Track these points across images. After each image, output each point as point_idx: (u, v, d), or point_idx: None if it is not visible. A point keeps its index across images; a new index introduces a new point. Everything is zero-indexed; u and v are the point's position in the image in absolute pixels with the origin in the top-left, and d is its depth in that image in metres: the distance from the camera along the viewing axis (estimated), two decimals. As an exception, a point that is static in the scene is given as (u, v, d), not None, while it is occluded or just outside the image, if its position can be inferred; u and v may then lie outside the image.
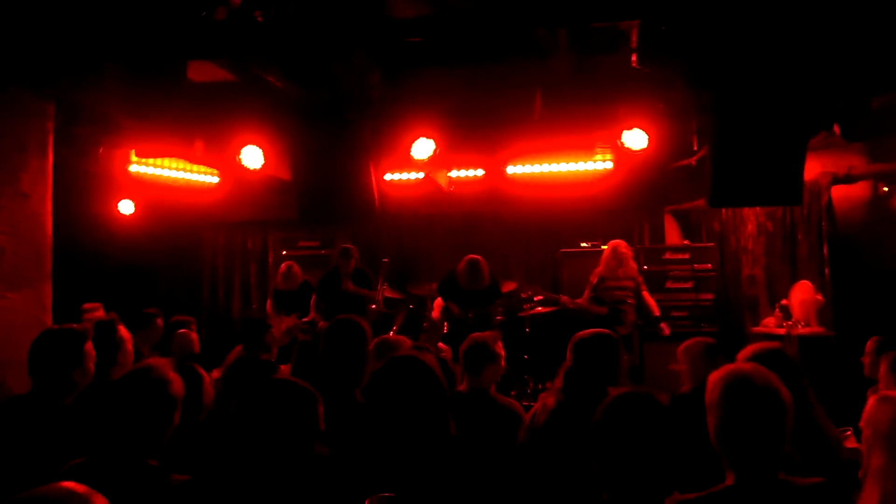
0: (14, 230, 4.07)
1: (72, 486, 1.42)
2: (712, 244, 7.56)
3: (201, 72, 5.28)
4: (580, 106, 5.51)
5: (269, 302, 7.30)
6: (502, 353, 3.66)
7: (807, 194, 6.69)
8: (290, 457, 1.89)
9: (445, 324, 6.62)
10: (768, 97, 4.16)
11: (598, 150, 6.84)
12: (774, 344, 2.92)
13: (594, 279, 6.62)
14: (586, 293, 6.62)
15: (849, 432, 3.24)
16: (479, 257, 6.32)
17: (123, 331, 3.38)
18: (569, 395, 2.99)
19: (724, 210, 7.57)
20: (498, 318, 6.73)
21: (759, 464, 1.87)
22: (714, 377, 1.99)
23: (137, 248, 7.92)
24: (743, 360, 2.76)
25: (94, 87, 4.99)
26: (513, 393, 6.40)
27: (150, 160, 7.00)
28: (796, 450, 2.26)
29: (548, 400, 3.08)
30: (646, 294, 6.62)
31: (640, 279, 6.65)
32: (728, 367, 2.04)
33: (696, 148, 5.93)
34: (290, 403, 1.94)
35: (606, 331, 3.17)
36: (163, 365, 2.30)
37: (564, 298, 6.72)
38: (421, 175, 7.19)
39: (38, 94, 4.41)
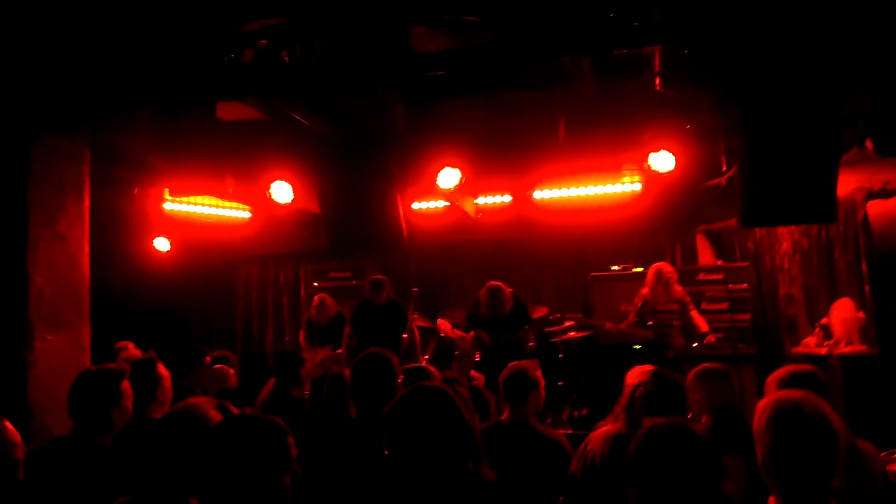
0: (52, 272, 4.18)
1: None
2: (747, 263, 7.43)
3: (231, 111, 5.42)
4: (605, 129, 5.50)
5: (301, 334, 7.34)
6: (542, 380, 3.62)
7: (842, 211, 6.55)
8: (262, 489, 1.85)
9: (477, 352, 6.58)
10: (797, 114, 4.10)
11: (626, 172, 6.80)
12: (807, 366, 2.84)
13: (639, 302, 6.55)
14: (631, 317, 6.55)
15: (895, 454, 3.13)
16: (499, 284, 6.31)
17: (162, 369, 3.42)
18: (631, 421, 2.90)
19: (757, 229, 7.45)
20: (530, 344, 6.68)
21: (808, 494, 1.83)
22: (762, 404, 1.96)
23: (172, 285, 8.06)
24: (775, 381, 2.70)
25: (127, 130, 5.15)
26: (548, 420, 6.31)
27: (184, 198, 7.16)
28: (844, 477, 2.19)
29: (607, 427, 3.00)
30: (694, 314, 6.51)
31: (688, 300, 6.54)
32: (777, 394, 2.00)
33: (724, 168, 5.87)
34: (257, 438, 1.92)
35: (668, 371, 3.08)
36: (204, 403, 2.32)
37: (609, 325, 6.66)
38: (448, 204, 7.22)
39: (73, 139, 4.55)
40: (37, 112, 4.23)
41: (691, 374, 3.71)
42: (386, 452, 2.16)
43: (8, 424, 2.59)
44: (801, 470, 1.83)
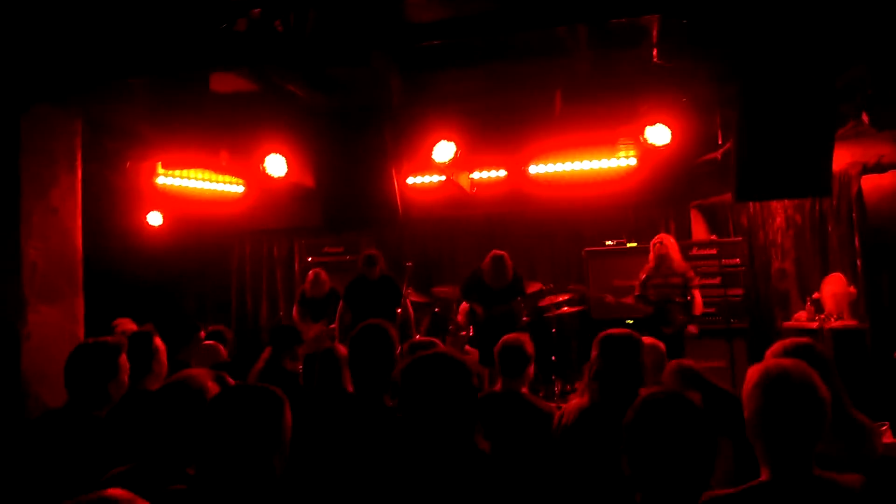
0: (45, 245, 4.15)
1: (117, 493, 1.44)
2: (740, 238, 7.45)
3: (224, 83, 5.34)
4: (602, 102, 5.46)
5: (295, 308, 7.35)
6: (532, 354, 3.65)
7: (836, 185, 6.56)
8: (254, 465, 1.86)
9: (471, 327, 6.61)
10: (794, 87, 4.09)
11: (622, 146, 6.77)
12: (804, 339, 2.87)
13: (643, 276, 6.47)
14: (636, 290, 6.51)
15: (885, 427, 3.17)
16: (503, 253, 6.32)
17: (159, 341, 3.42)
18: (593, 395, 2.98)
19: (751, 204, 7.46)
20: (524, 318, 6.71)
21: (794, 458, 1.87)
22: (752, 371, 1.99)
23: (166, 259, 8.04)
24: (772, 356, 2.73)
25: (119, 102, 5.09)
26: (541, 394, 6.37)
27: (177, 172, 7.10)
28: (831, 445, 2.23)
29: (575, 400, 3.07)
30: (696, 292, 6.35)
31: (692, 275, 6.38)
32: (767, 362, 2.03)
33: (720, 142, 5.86)
34: (256, 407, 1.92)
35: (626, 330, 3.14)
36: (201, 375, 2.32)
37: (609, 298, 6.64)
38: (443, 178, 7.19)
39: (65, 110, 4.49)
40: (28, 83, 4.17)
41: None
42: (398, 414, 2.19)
43: None
44: (789, 434, 1.86)
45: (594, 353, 3.07)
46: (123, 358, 2.85)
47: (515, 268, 6.46)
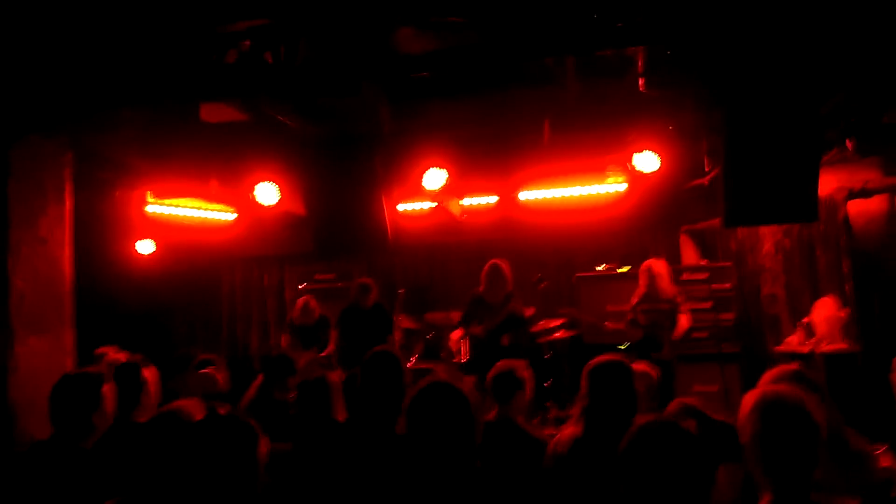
0: (33, 276, 4.13)
1: None
2: (730, 263, 7.48)
3: (214, 113, 5.38)
4: (590, 130, 5.53)
5: (283, 337, 7.29)
6: (529, 380, 3.63)
7: (823, 210, 6.60)
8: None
9: (464, 351, 6.58)
10: (778, 115, 4.15)
11: (611, 173, 6.83)
12: (793, 365, 2.88)
13: (634, 300, 6.47)
14: (628, 316, 6.50)
15: (881, 450, 3.16)
16: (500, 261, 6.29)
17: (147, 372, 3.39)
18: (587, 424, 2.96)
19: (740, 229, 7.51)
20: (519, 342, 6.66)
21: (792, 484, 1.87)
22: (748, 397, 2.00)
23: (157, 287, 7.99)
24: (765, 383, 2.74)
25: (110, 132, 5.11)
26: (535, 420, 6.33)
27: (167, 200, 7.10)
28: (829, 471, 2.23)
29: (569, 429, 3.05)
30: (681, 316, 6.31)
31: (680, 299, 6.37)
32: (762, 388, 2.04)
33: (707, 168, 5.92)
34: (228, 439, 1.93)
35: (616, 356, 3.13)
36: (191, 406, 2.30)
37: (608, 323, 6.62)
38: (434, 205, 7.22)
39: (55, 141, 4.50)
40: (17, 115, 4.18)
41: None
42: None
43: None
44: (784, 458, 1.87)
45: (584, 384, 3.05)
46: (106, 388, 2.83)
47: (513, 286, 6.42)
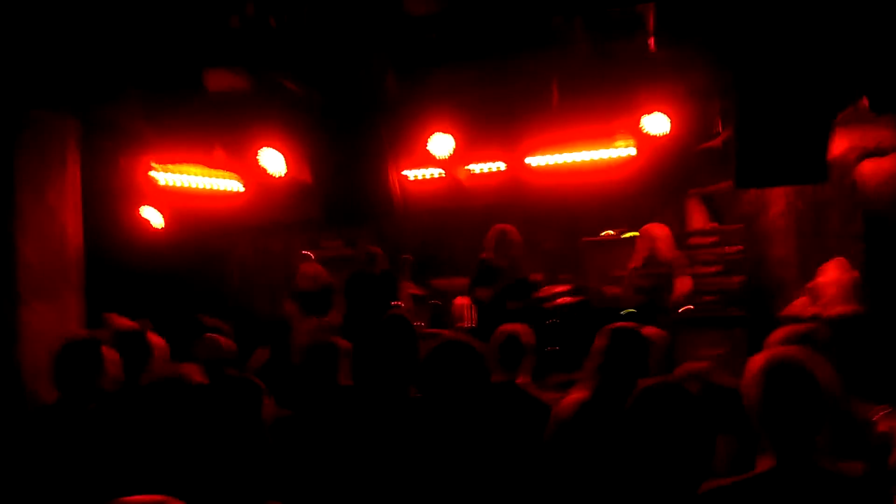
0: (41, 243, 4.15)
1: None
2: (741, 226, 7.42)
3: (218, 80, 5.33)
4: (599, 93, 5.44)
5: (286, 303, 7.34)
6: (532, 344, 3.63)
7: (835, 171, 6.52)
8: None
9: (473, 317, 6.59)
10: (791, 73, 4.06)
11: (620, 136, 6.74)
12: (801, 326, 2.86)
13: (631, 265, 6.45)
14: (625, 281, 6.49)
15: (882, 413, 3.15)
16: (508, 226, 6.24)
17: (154, 338, 3.42)
18: (597, 388, 2.95)
19: (751, 191, 7.43)
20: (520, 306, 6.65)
21: (796, 447, 1.86)
22: (753, 360, 1.98)
23: (164, 255, 8.01)
24: (772, 344, 2.72)
25: (114, 101, 5.08)
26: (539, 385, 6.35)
27: (174, 168, 7.08)
28: (831, 434, 2.22)
29: (575, 393, 3.04)
30: (677, 280, 6.34)
31: (679, 263, 6.36)
32: (768, 350, 2.03)
33: (720, 129, 5.83)
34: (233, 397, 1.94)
35: (631, 324, 3.12)
36: (191, 370, 2.32)
37: (607, 289, 6.61)
38: (441, 171, 7.17)
39: (61, 111, 4.48)
40: (25, 88, 4.16)
41: None
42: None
43: None
44: (788, 420, 1.86)
45: (599, 345, 3.03)
46: (108, 351, 2.85)
47: (521, 250, 6.37)
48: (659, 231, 6.43)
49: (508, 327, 3.62)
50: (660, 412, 1.88)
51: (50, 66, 4.17)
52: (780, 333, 2.72)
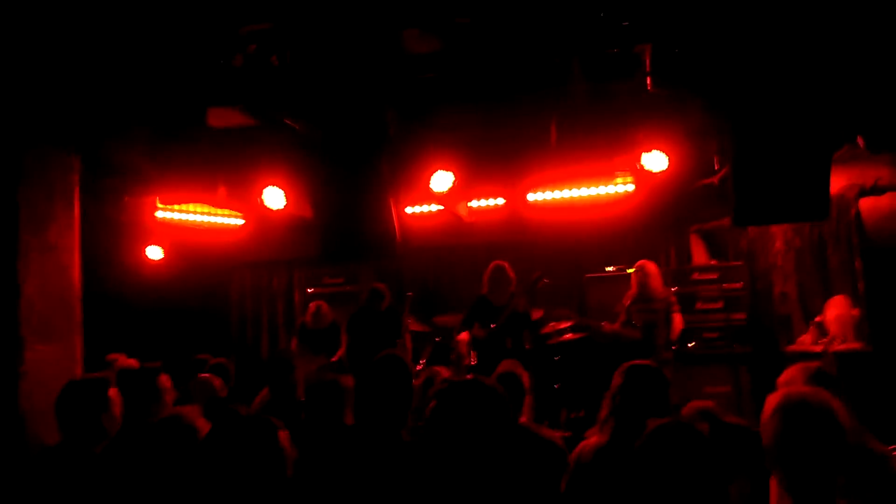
0: (43, 282, 4.14)
1: None
2: (741, 263, 7.44)
3: (221, 118, 5.38)
4: (597, 131, 5.48)
5: (294, 341, 7.30)
6: (528, 383, 3.60)
7: (834, 208, 6.57)
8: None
9: (473, 354, 6.56)
10: (788, 113, 4.10)
11: (619, 173, 6.80)
12: (813, 364, 2.84)
13: (626, 302, 6.52)
14: (620, 317, 6.52)
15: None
16: (503, 262, 6.27)
17: (164, 380, 3.39)
18: (616, 430, 2.88)
19: (750, 228, 7.46)
20: (526, 346, 6.65)
21: (815, 487, 1.82)
22: (771, 398, 1.96)
23: (167, 292, 8.01)
24: (785, 382, 2.70)
25: (118, 139, 5.12)
26: (545, 423, 6.30)
27: (175, 206, 7.12)
28: (851, 475, 2.19)
29: (594, 437, 2.97)
30: (674, 316, 6.44)
31: (673, 300, 6.48)
32: (786, 389, 2.00)
33: (717, 167, 5.88)
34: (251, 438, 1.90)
35: (648, 361, 3.08)
36: (191, 411, 2.31)
37: (606, 325, 6.62)
38: (441, 207, 7.20)
39: (64, 149, 4.52)
40: (29, 126, 4.20)
41: None
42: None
43: None
44: (807, 460, 1.81)
45: (615, 384, 2.96)
46: (113, 392, 2.84)
47: (518, 290, 6.40)
48: (650, 267, 6.52)
49: (506, 364, 3.59)
50: (671, 452, 1.86)
51: (54, 103, 4.21)
52: (792, 371, 2.70)
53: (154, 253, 7.49)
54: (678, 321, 6.42)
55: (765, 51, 3.96)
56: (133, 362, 5.21)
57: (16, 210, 4.10)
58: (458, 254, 8.49)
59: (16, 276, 4.01)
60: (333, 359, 6.79)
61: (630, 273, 7.34)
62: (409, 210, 7.29)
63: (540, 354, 6.84)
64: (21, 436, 3.82)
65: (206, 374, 4.97)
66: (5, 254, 4.04)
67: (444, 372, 3.71)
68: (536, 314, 7.24)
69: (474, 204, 7.49)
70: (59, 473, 2.60)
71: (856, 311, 6.35)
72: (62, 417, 2.75)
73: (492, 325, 6.25)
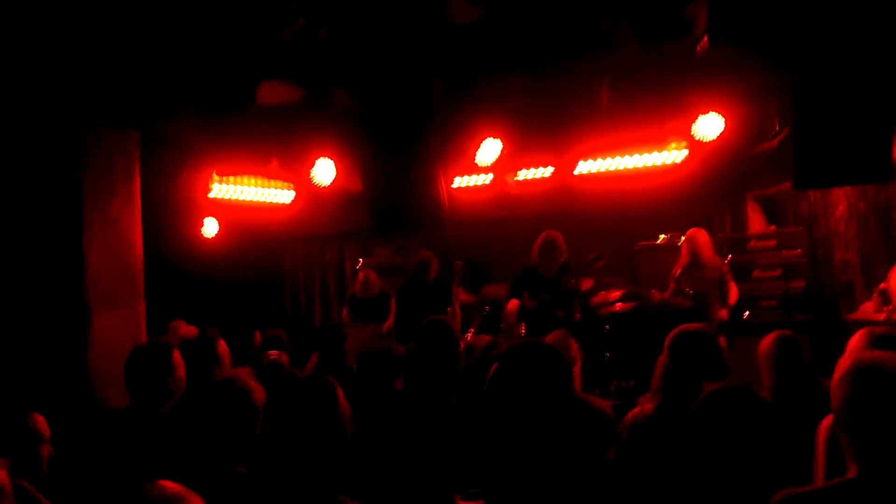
0: (106, 254, 4.31)
1: (170, 486, 1.49)
2: (801, 228, 7.20)
3: (271, 93, 5.46)
4: (650, 95, 5.36)
5: (345, 310, 7.43)
6: (577, 353, 3.58)
7: (899, 171, 6.28)
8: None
9: (523, 324, 6.56)
10: (852, 71, 3.93)
11: (672, 139, 6.63)
12: (880, 329, 2.76)
13: (677, 271, 6.41)
14: (671, 286, 6.43)
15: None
16: (554, 233, 6.18)
17: (223, 346, 3.50)
18: (668, 395, 2.84)
19: (811, 192, 7.21)
20: (577, 316, 6.61)
21: (885, 454, 1.75)
22: (842, 363, 1.91)
23: (222, 265, 8.23)
24: (851, 349, 2.64)
25: (174, 116, 5.25)
26: (596, 392, 6.27)
27: (231, 180, 7.28)
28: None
29: (646, 404, 2.94)
30: (730, 285, 6.33)
31: (727, 269, 6.36)
32: (859, 353, 1.94)
33: (777, 129, 5.67)
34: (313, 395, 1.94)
35: (701, 326, 3.02)
36: (245, 375, 2.38)
37: (656, 293, 6.54)
38: (489, 178, 7.17)
39: (123, 127, 4.66)
40: (89, 104, 4.34)
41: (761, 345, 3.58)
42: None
43: (39, 418, 2.71)
44: (877, 425, 1.76)
45: (667, 349, 2.91)
46: (177, 355, 2.94)
47: (567, 258, 6.34)
48: (701, 236, 6.37)
49: (555, 334, 3.58)
50: (727, 418, 1.82)
51: (112, 82, 4.34)
52: (857, 336, 2.63)
53: (210, 228, 7.69)
54: (734, 290, 6.30)
55: (829, 6, 3.79)
56: (193, 329, 5.38)
57: (79, 186, 4.27)
58: (507, 224, 8.46)
59: (81, 248, 4.18)
60: (383, 328, 6.88)
61: (682, 242, 7.21)
62: (457, 182, 7.28)
63: (590, 324, 6.78)
64: (90, 398, 4.02)
65: (273, 354, 5.09)
66: (71, 227, 4.22)
67: (487, 338, 3.71)
68: (586, 284, 7.17)
69: (522, 175, 7.42)
70: (128, 434, 2.71)
71: (922, 278, 6.10)
72: (130, 380, 2.86)
73: (544, 297, 6.21)
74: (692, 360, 2.81)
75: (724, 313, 6.30)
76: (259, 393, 2.32)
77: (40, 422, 2.73)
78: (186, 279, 7.72)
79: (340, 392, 1.97)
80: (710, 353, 2.85)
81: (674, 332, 2.94)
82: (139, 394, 2.85)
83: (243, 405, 2.27)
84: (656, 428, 2.81)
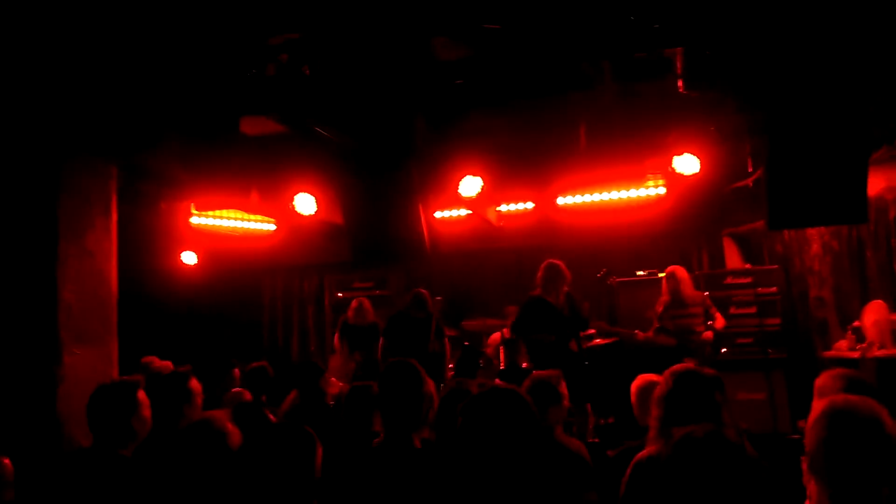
0: (80, 287, 4.24)
1: None
2: (776, 266, 7.30)
3: (254, 125, 5.47)
4: (628, 134, 5.45)
5: (336, 335, 7.39)
6: (565, 392, 3.55)
7: (872, 211, 6.41)
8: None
9: (502, 357, 6.53)
10: (824, 113, 4.02)
11: (650, 176, 6.73)
12: (848, 371, 2.78)
13: (659, 309, 6.44)
14: (654, 324, 6.45)
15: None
16: (558, 261, 6.04)
17: (195, 384, 3.43)
18: (666, 440, 2.76)
19: (786, 231, 7.32)
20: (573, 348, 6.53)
21: (861, 496, 1.77)
22: (816, 406, 1.91)
23: (200, 296, 8.16)
24: (819, 388, 2.65)
25: (153, 147, 5.23)
26: (574, 429, 6.23)
27: (210, 212, 7.24)
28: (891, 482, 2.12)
29: (651, 446, 2.87)
30: (716, 316, 6.41)
31: (710, 302, 6.43)
32: (831, 398, 1.95)
33: (751, 169, 5.79)
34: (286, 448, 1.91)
35: (691, 365, 2.99)
36: (221, 417, 2.33)
37: (639, 333, 6.54)
38: (470, 212, 7.21)
39: (101, 158, 4.62)
40: (66, 136, 4.31)
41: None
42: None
43: (5, 461, 2.63)
44: (850, 469, 1.77)
45: (661, 391, 2.85)
46: (142, 394, 2.87)
47: (574, 299, 6.17)
48: (682, 273, 6.46)
49: (538, 374, 3.55)
50: (699, 464, 1.81)
51: (91, 113, 4.31)
52: (825, 378, 2.64)
53: (188, 258, 7.62)
54: (720, 318, 6.41)
55: (801, 50, 3.89)
56: (167, 364, 5.29)
57: (55, 218, 4.20)
58: (488, 258, 8.48)
59: (55, 281, 4.11)
60: (358, 358, 6.86)
61: (661, 277, 7.26)
62: (438, 215, 7.30)
63: (572, 359, 6.77)
64: (58, 437, 3.91)
65: (239, 389, 5.02)
66: (45, 260, 4.14)
67: (472, 386, 3.65)
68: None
69: (504, 208, 7.47)
70: (88, 475, 2.64)
71: (894, 316, 6.19)
72: (92, 420, 2.79)
73: (557, 329, 6.03)
74: (689, 401, 2.74)
75: (709, 335, 6.35)
76: (235, 436, 2.27)
77: (5, 465, 2.65)
78: (163, 311, 7.62)
79: (319, 448, 1.94)
80: (705, 393, 2.79)
81: (669, 371, 2.86)
82: (102, 434, 2.77)
83: (218, 449, 2.22)
84: (658, 475, 2.73)
